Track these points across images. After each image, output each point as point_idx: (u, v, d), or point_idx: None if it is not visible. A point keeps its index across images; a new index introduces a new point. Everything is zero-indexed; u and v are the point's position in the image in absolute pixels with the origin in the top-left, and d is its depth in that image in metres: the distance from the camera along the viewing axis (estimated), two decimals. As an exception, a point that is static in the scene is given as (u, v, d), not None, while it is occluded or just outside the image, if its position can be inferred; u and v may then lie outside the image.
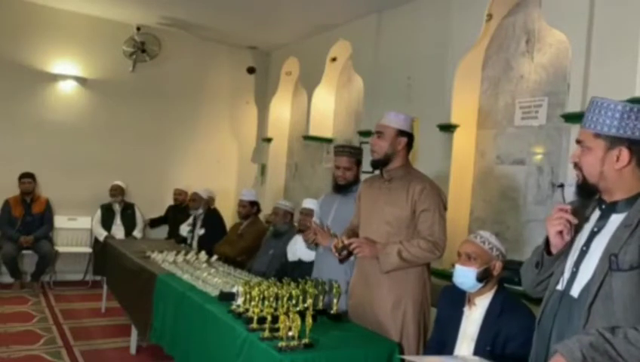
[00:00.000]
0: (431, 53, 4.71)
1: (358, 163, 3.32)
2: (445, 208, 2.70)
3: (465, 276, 2.17)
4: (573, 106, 3.39)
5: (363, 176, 3.27)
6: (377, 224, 2.68)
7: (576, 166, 1.57)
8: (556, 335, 1.54)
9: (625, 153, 1.51)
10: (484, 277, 2.16)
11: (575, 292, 1.53)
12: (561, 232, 1.54)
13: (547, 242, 1.62)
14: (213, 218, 5.67)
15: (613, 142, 1.51)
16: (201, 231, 5.48)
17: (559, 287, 1.57)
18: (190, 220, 5.99)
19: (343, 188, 3.28)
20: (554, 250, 1.55)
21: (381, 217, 2.67)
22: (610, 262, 1.45)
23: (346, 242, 2.60)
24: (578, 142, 1.57)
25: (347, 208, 3.14)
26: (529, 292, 1.77)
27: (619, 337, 1.36)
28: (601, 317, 1.43)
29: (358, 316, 2.71)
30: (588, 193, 1.57)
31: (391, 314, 2.61)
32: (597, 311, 1.44)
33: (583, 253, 1.55)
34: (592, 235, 1.55)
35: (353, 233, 2.83)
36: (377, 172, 2.81)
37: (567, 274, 1.56)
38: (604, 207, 1.57)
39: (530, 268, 1.67)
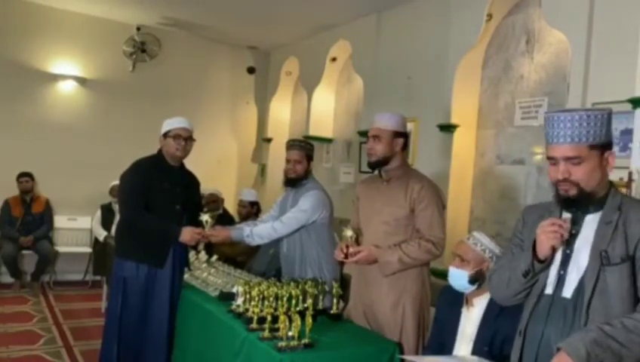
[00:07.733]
0: (431, 53, 4.71)
1: (309, 158, 3.27)
2: (444, 207, 2.71)
3: (458, 278, 2.18)
4: (572, 106, 3.39)
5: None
6: (376, 224, 2.69)
7: (566, 181, 1.53)
8: (548, 337, 1.55)
9: (613, 155, 1.57)
10: (476, 279, 2.15)
11: (567, 293, 1.56)
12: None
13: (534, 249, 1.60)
14: (228, 216, 5.62)
15: (603, 148, 1.55)
16: None
17: (548, 291, 1.59)
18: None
19: (293, 181, 3.24)
20: (541, 256, 1.56)
21: (379, 217, 2.67)
22: (602, 258, 1.49)
23: (352, 251, 2.58)
24: (567, 158, 1.53)
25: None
26: (506, 303, 1.76)
27: (618, 328, 1.39)
28: (599, 313, 1.47)
29: (358, 316, 2.72)
30: (582, 204, 1.55)
31: (390, 313, 2.61)
32: (595, 308, 1.48)
33: (567, 256, 1.58)
34: (572, 238, 1.58)
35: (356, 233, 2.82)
36: (376, 172, 2.79)
37: (554, 278, 1.59)
38: (575, 210, 1.59)
39: (514, 278, 1.64)
